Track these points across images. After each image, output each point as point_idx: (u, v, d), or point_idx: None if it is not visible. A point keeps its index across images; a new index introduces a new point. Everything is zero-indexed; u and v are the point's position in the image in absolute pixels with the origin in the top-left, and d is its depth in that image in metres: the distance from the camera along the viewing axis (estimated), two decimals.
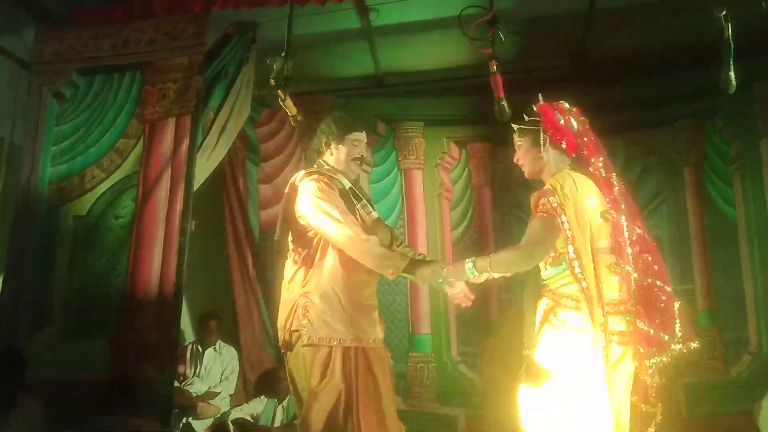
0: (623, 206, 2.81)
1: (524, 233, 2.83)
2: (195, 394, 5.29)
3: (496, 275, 2.92)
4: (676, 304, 2.78)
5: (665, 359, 2.75)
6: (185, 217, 4.56)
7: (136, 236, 4.58)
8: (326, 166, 3.31)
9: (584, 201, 2.76)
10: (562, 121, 2.90)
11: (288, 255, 3.30)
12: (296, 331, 3.11)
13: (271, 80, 3.21)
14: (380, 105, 6.34)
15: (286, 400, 5.33)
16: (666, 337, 2.72)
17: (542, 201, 2.78)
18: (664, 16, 5.21)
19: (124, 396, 4.25)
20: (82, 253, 4.67)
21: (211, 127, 4.93)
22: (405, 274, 3.03)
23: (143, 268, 4.51)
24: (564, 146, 2.88)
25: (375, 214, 3.32)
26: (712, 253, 5.87)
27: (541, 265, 2.89)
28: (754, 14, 3.00)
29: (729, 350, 5.69)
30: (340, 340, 3.08)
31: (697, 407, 5.46)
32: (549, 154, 2.89)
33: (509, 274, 2.94)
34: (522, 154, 2.97)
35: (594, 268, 2.71)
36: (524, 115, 2.97)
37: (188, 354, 5.51)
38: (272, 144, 6.10)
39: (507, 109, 3.01)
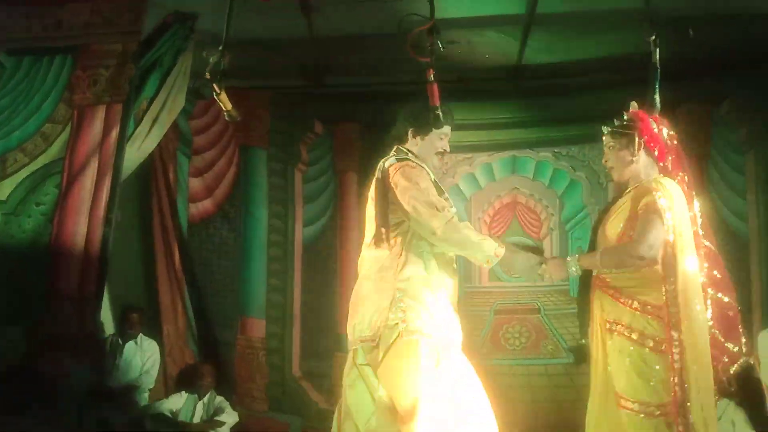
0: (699, 221, 2.93)
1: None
2: (113, 387, 5.16)
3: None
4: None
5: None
6: (111, 207, 4.47)
7: (57, 224, 4.46)
8: (410, 154, 3.13)
9: (681, 209, 2.85)
10: (656, 129, 3.00)
11: (375, 244, 3.05)
12: (395, 324, 2.82)
13: (207, 74, 3.16)
14: (319, 105, 6.33)
15: (206, 397, 5.29)
16: (735, 349, 2.85)
17: (648, 199, 2.82)
18: (598, 35, 5.39)
19: (36, 387, 4.13)
20: (1, 240, 4.50)
21: (143, 117, 4.84)
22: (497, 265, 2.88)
23: (64, 258, 4.40)
24: (656, 153, 2.97)
25: (454, 211, 3.07)
26: None
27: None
28: (684, 43, 3.15)
29: None
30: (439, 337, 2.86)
31: None
32: (641, 159, 2.96)
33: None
34: (613, 157, 3.02)
35: None
36: (615, 119, 3.05)
37: (108, 346, 5.37)
38: (205, 137, 6.03)
39: (442, 119, 3.03)
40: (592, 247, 3.03)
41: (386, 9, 4.53)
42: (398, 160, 3.06)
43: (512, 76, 5.90)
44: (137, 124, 4.81)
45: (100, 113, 4.62)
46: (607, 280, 2.89)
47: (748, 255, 5.67)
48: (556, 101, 6.13)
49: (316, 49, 5.60)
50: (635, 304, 2.81)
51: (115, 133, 4.57)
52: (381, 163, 3.11)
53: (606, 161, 3.08)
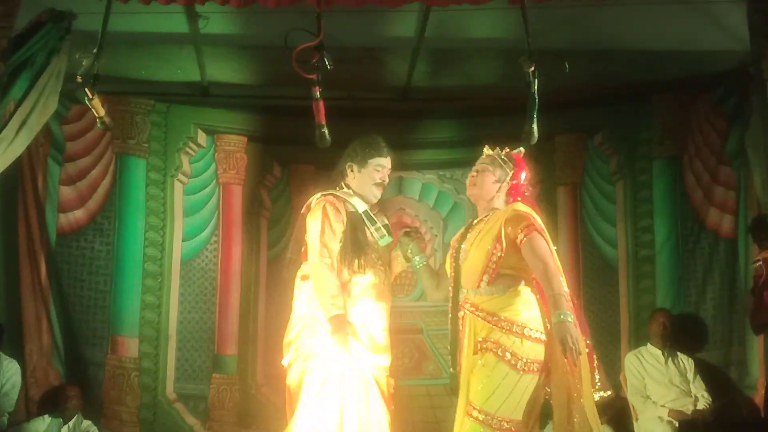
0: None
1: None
2: None
3: None
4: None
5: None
6: None
7: None
8: (345, 189, 3.41)
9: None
10: (522, 180, 3.20)
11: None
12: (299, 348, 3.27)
13: (78, 77, 3.00)
14: (203, 115, 6.17)
15: (72, 421, 5.03)
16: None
17: (526, 223, 2.95)
18: (483, 62, 5.56)
19: None
20: None
21: (9, 119, 4.52)
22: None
23: None
24: (510, 200, 3.16)
25: (388, 239, 3.37)
26: None
27: (468, 281, 2.99)
28: (561, 75, 3.28)
29: None
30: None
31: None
32: (501, 195, 3.15)
33: None
34: (482, 180, 3.15)
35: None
36: (498, 148, 3.20)
37: None
38: (80, 143, 5.73)
39: (327, 137, 3.05)
40: (456, 273, 3.09)
41: (275, 21, 4.48)
42: (322, 194, 3.37)
43: (400, 97, 5.99)
44: (3, 126, 4.48)
45: None
46: (478, 303, 2.97)
47: (617, 277, 5.98)
48: (442, 124, 6.29)
49: (201, 57, 5.49)
50: (507, 325, 2.89)
51: None
52: (309, 198, 3.42)
53: (473, 176, 3.20)
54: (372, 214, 3.37)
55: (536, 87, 3.09)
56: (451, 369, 3.01)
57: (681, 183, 5.77)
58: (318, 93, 3.11)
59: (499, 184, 3.15)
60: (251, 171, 6.31)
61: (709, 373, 5.21)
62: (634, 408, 5.18)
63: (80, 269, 5.70)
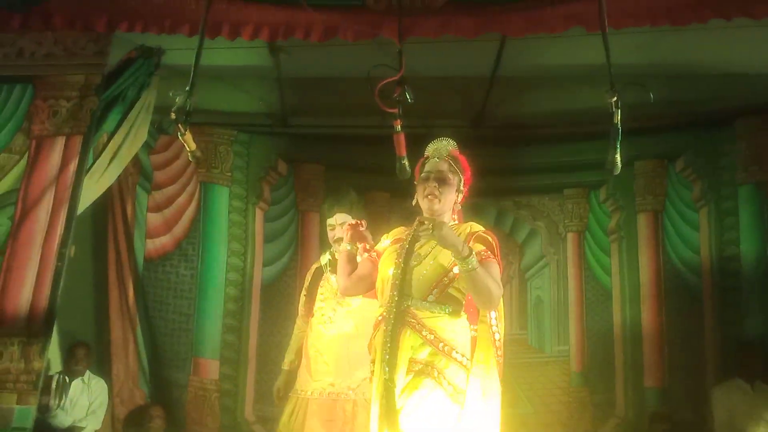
0: None
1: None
2: (58, 428, 4.98)
3: None
4: None
5: None
6: (65, 241, 4.35)
7: (8, 257, 4.32)
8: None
9: None
10: (469, 179, 3.04)
11: None
12: None
13: (172, 114, 3.14)
14: (282, 144, 6.32)
15: None
16: None
17: (494, 249, 2.83)
18: (562, 90, 5.52)
19: None
20: None
21: (102, 150, 4.76)
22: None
23: (13, 292, 4.25)
24: (459, 204, 3.01)
25: None
26: (588, 318, 6.16)
27: (417, 290, 2.81)
28: (642, 100, 3.23)
29: (597, 412, 5.95)
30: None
31: None
32: (456, 202, 2.99)
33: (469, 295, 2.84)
34: (446, 190, 2.93)
35: None
36: (447, 153, 2.99)
37: (54, 384, 5.18)
38: (166, 173, 5.93)
39: (407, 168, 3.07)
40: (403, 277, 2.84)
41: (354, 53, 4.58)
42: None
43: (475, 123, 5.99)
44: (96, 157, 4.72)
45: (59, 145, 4.53)
46: (423, 319, 2.79)
47: (702, 308, 5.78)
48: (517, 151, 6.24)
49: (282, 89, 5.63)
50: (445, 348, 2.76)
51: (73, 166, 4.47)
52: None
53: (436, 188, 2.92)
54: (335, 264, 3.65)
55: (619, 117, 3.02)
56: (386, 377, 2.76)
57: None
58: (399, 127, 3.13)
59: (457, 194, 2.98)
60: (328, 198, 6.40)
61: None
62: None
63: (165, 293, 5.85)
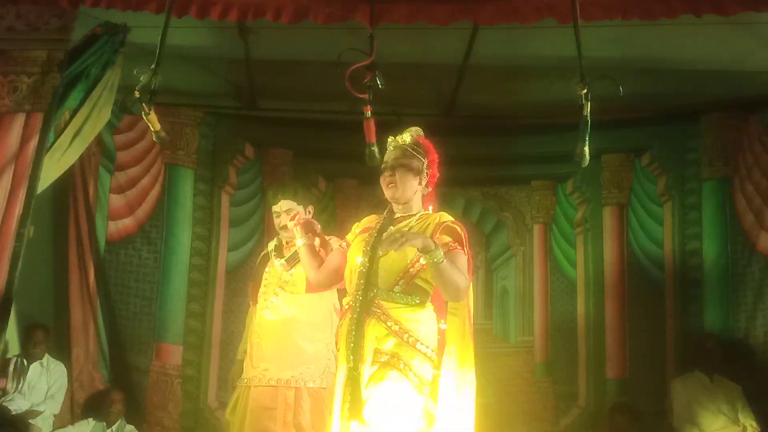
0: None
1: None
2: (15, 412, 4.88)
3: None
4: None
5: None
6: (23, 221, 4.25)
7: None
8: None
9: None
10: (436, 163, 2.97)
11: None
12: None
13: (136, 92, 3.06)
14: (251, 128, 6.25)
15: (116, 425, 5.11)
16: None
17: (461, 238, 2.79)
18: (531, 81, 5.53)
19: None
20: None
21: (64, 129, 4.66)
22: None
23: None
24: (429, 189, 2.96)
25: (289, 272, 3.77)
26: (553, 309, 6.22)
27: (383, 281, 2.78)
28: (610, 94, 3.23)
29: (560, 402, 6.03)
30: None
31: None
32: (421, 188, 2.93)
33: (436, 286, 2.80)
34: (402, 177, 2.88)
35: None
36: (407, 137, 2.95)
37: (11, 367, 5.09)
38: (130, 153, 5.82)
39: (377, 155, 3.03)
40: (370, 267, 2.81)
41: (325, 37, 4.53)
42: None
43: (445, 112, 5.98)
44: (58, 135, 4.62)
45: (19, 122, 4.41)
46: (388, 309, 2.76)
47: (664, 301, 5.87)
48: (487, 141, 6.26)
49: (251, 71, 5.56)
50: (411, 340, 2.73)
51: (33, 143, 4.37)
52: None
53: (392, 176, 2.88)
54: (282, 248, 3.85)
55: (589, 110, 3.02)
56: (351, 366, 2.73)
57: (731, 205, 5.65)
58: (369, 113, 3.10)
59: (419, 179, 2.91)
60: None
61: (757, 402, 5.06)
62: None
63: (127, 276, 5.77)
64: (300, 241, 3.22)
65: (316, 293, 3.70)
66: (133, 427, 5.19)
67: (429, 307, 2.84)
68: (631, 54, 5.06)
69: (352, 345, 2.74)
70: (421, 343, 2.75)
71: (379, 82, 3.07)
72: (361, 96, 3.06)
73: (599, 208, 6.13)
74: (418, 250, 2.63)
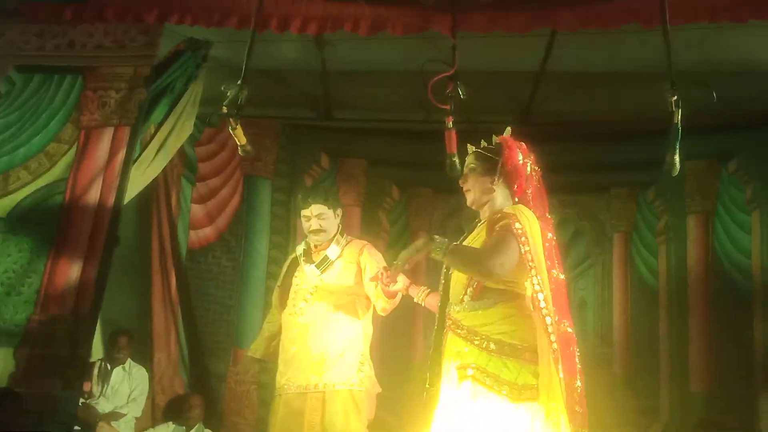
0: (555, 257, 2.70)
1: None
2: (99, 414, 5.04)
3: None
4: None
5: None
6: (112, 230, 4.40)
7: (56, 245, 4.38)
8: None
9: (538, 239, 2.62)
10: (521, 161, 2.81)
11: None
12: None
13: (224, 107, 3.13)
14: (326, 138, 6.32)
15: (194, 429, 5.18)
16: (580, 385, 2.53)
17: (502, 223, 2.62)
18: (610, 87, 5.40)
19: (23, 411, 4.03)
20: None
21: (150, 141, 4.80)
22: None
23: (61, 279, 4.31)
24: (515, 187, 2.77)
25: (316, 273, 3.67)
26: (633, 320, 6.05)
27: (454, 294, 2.71)
28: (696, 99, 3.13)
29: (641, 417, 5.85)
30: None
31: None
32: (499, 188, 2.78)
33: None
34: (473, 181, 2.81)
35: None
36: (483, 141, 2.89)
37: (95, 371, 5.26)
38: (211, 164, 5.98)
39: (458, 166, 2.98)
40: (446, 284, 2.81)
41: (399, 47, 4.55)
42: None
43: (522, 119, 5.90)
44: (143, 148, 4.76)
45: (107, 135, 4.56)
46: (459, 319, 2.64)
47: (751, 313, 5.63)
48: (564, 148, 6.12)
49: (326, 82, 5.62)
50: (491, 346, 2.56)
51: (120, 156, 4.51)
52: None
53: (463, 183, 2.85)
54: (310, 254, 3.73)
55: (680, 117, 2.92)
56: (428, 385, 2.70)
57: None
58: (450, 123, 3.07)
59: (492, 178, 2.78)
60: (371, 193, 6.39)
61: None
62: None
63: (207, 284, 5.91)
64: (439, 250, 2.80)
65: (350, 298, 3.65)
66: (210, 431, 5.26)
67: (512, 307, 2.62)
68: (715, 57, 4.90)
69: (430, 363, 2.71)
70: (503, 344, 2.55)
71: (461, 92, 3.04)
72: (442, 107, 3.02)
73: (683, 217, 5.95)
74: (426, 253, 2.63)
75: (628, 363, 6.00)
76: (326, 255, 3.65)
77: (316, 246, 3.72)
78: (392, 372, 6.14)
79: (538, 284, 2.53)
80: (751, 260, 5.68)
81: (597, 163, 6.14)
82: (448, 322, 2.70)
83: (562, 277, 2.69)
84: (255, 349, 3.93)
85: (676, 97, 2.91)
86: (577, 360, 2.57)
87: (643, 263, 6.12)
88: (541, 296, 2.53)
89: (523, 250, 2.55)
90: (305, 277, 3.72)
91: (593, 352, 6.09)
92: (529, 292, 2.59)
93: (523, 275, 2.59)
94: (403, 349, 6.43)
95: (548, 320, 2.51)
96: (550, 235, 2.71)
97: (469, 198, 2.84)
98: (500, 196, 2.78)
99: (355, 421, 3.52)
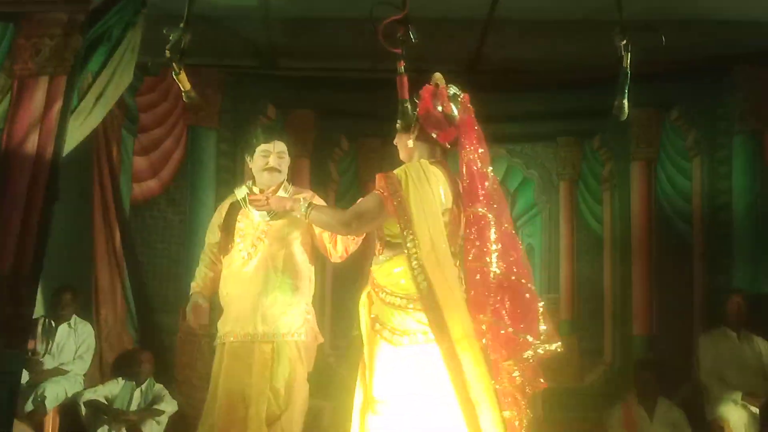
0: (493, 203, 2.74)
1: None
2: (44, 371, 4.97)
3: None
4: (540, 305, 2.70)
5: (530, 361, 2.64)
6: (51, 184, 4.25)
7: None
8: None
9: (433, 194, 2.66)
10: (439, 108, 2.79)
11: None
12: None
13: (167, 51, 3.02)
14: (272, 88, 6.19)
15: (145, 384, 5.14)
16: (529, 338, 2.61)
17: (381, 183, 2.68)
18: (558, 35, 5.40)
19: None
20: None
21: (87, 91, 4.60)
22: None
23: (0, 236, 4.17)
24: (435, 136, 2.79)
25: (269, 223, 3.58)
26: (579, 265, 6.20)
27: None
28: (646, 45, 3.15)
29: (585, 359, 6.04)
30: None
31: (553, 412, 5.73)
32: (416, 142, 2.82)
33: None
34: (397, 139, 2.92)
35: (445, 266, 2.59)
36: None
37: (39, 329, 5.16)
38: (152, 115, 5.82)
39: (410, 112, 2.94)
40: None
41: None
42: None
43: (470, 67, 5.88)
44: (81, 98, 4.56)
45: (43, 85, 4.35)
46: (372, 272, 2.75)
47: (692, 257, 5.81)
48: (511, 97, 6.14)
49: (272, 31, 5.48)
50: (387, 298, 2.68)
51: (57, 107, 4.31)
52: None
53: (395, 141, 2.93)
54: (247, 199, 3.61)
55: (629, 61, 2.93)
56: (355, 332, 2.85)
57: (762, 159, 5.54)
58: (402, 68, 3.02)
59: (411, 134, 2.82)
60: (319, 144, 6.32)
61: None
62: (707, 390, 5.05)
63: (154, 238, 5.82)
64: (301, 210, 2.96)
65: (299, 246, 3.59)
66: (161, 386, 5.23)
67: (402, 257, 2.65)
68: (656, 4, 4.91)
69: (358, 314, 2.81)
70: (393, 296, 2.66)
71: (412, 36, 2.99)
72: (394, 51, 2.97)
73: (627, 164, 6.06)
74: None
75: (573, 307, 6.16)
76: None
77: (262, 191, 3.62)
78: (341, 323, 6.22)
79: (411, 242, 2.58)
80: (692, 206, 5.85)
81: (544, 112, 6.17)
82: (369, 279, 2.81)
83: (482, 211, 2.71)
84: (195, 284, 3.84)
85: (625, 42, 2.92)
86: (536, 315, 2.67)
87: (588, 210, 6.23)
88: (414, 258, 2.56)
89: (396, 206, 2.61)
90: (252, 222, 3.61)
91: (540, 297, 6.21)
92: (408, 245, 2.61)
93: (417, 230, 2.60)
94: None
95: (421, 281, 2.55)
96: (488, 183, 2.77)
97: (400, 155, 2.90)
98: (419, 149, 2.83)
99: (300, 371, 3.52)
